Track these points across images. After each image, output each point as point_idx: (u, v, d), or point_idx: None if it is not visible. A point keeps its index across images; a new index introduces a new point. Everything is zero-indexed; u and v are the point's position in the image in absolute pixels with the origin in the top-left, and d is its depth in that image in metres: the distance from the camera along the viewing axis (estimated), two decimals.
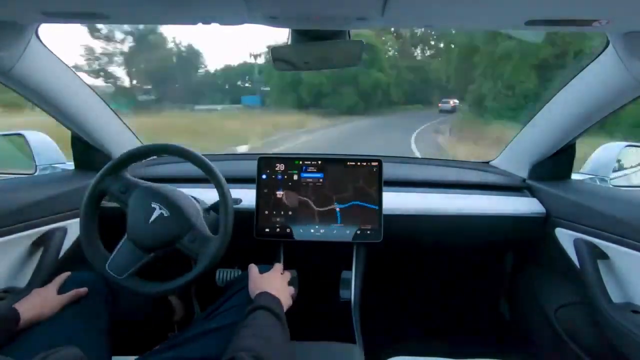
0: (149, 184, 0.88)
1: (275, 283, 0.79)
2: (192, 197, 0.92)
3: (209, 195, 0.91)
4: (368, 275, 1.10)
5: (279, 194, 1.03)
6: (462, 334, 1.34)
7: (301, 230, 1.02)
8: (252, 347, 0.56)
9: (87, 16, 0.67)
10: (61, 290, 0.79)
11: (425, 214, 1.10)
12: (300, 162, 1.04)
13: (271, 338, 0.61)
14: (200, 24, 0.67)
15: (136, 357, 0.76)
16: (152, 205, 0.83)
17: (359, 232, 1.01)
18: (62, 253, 0.96)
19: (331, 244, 1.03)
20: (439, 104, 19.59)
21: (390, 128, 13.30)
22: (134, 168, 1.22)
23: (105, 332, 0.78)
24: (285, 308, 0.73)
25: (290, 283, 0.84)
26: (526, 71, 11.73)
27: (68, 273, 0.84)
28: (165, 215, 0.83)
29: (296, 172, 1.03)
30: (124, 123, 1.23)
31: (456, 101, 18.60)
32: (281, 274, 0.84)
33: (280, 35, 0.77)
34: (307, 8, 0.61)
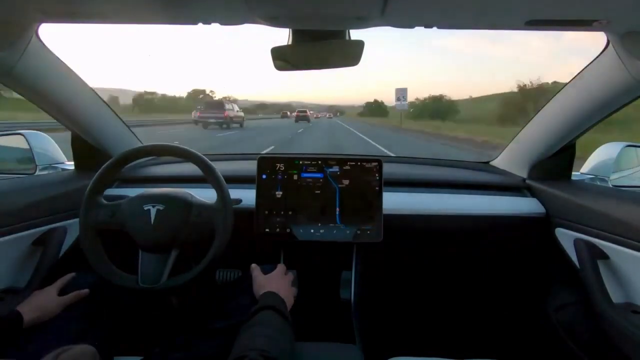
0: (129, 196, 0.89)
1: (279, 283, 0.79)
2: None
3: (208, 195, 0.90)
4: (368, 275, 1.10)
5: (279, 194, 1.03)
6: (462, 334, 1.34)
7: (301, 231, 1.02)
8: (261, 346, 0.56)
9: (87, 16, 0.67)
10: (62, 292, 0.79)
11: (425, 214, 1.10)
12: (300, 162, 1.04)
13: (279, 338, 0.61)
14: (200, 24, 0.67)
15: (138, 357, 0.76)
16: (145, 208, 0.84)
17: (359, 232, 1.01)
18: (62, 253, 0.96)
19: (331, 244, 1.03)
20: None
21: None
22: (133, 169, 1.22)
23: (106, 332, 0.78)
24: (288, 308, 0.73)
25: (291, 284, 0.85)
26: None
27: (69, 275, 0.84)
28: (162, 209, 0.84)
29: (296, 172, 1.03)
30: (124, 123, 1.23)
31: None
32: (284, 274, 0.85)
33: (280, 35, 0.77)
34: (307, 8, 0.61)
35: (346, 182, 1.02)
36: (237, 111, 19.84)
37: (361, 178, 1.03)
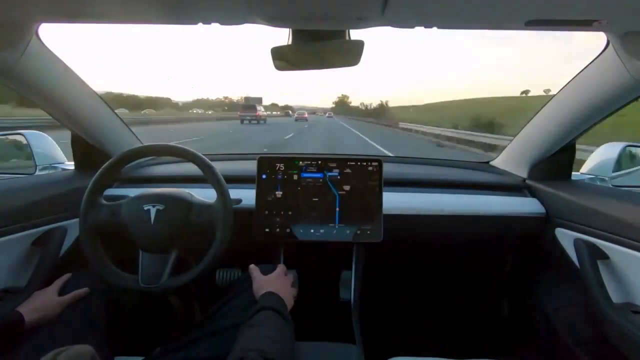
0: (130, 196, 0.89)
1: (279, 284, 0.79)
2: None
3: (208, 195, 0.91)
4: (368, 275, 1.10)
5: (279, 194, 1.03)
6: (462, 334, 1.34)
7: (301, 231, 1.02)
8: (261, 347, 0.56)
9: (87, 16, 0.67)
10: (62, 291, 0.79)
11: (425, 214, 1.10)
12: (301, 162, 1.04)
13: (279, 339, 0.61)
14: (200, 24, 0.67)
15: (139, 357, 0.76)
16: (145, 208, 0.84)
17: (359, 232, 1.01)
18: (62, 253, 0.95)
19: (331, 244, 1.03)
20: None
21: None
22: (133, 169, 1.22)
23: (106, 332, 0.78)
24: (288, 309, 0.73)
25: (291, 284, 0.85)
26: None
27: (69, 275, 0.84)
28: (162, 209, 0.84)
29: (296, 172, 1.03)
30: (124, 123, 1.23)
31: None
32: (284, 275, 0.85)
33: (280, 35, 0.77)
34: (307, 8, 0.61)
35: (347, 187, 1.02)
36: (263, 111, 28.33)
37: (361, 179, 1.02)
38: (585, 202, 0.93)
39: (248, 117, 24.63)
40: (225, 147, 10.57)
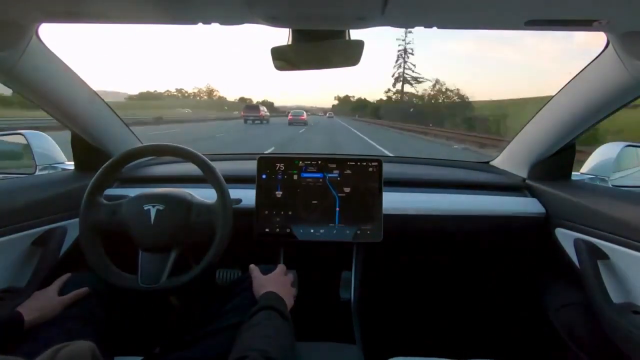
0: (130, 196, 0.89)
1: (279, 284, 0.79)
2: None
3: (208, 195, 0.91)
4: (368, 275, 1.10)
5: (279, 194, 1.03)
6: (462, 334, 1.34)
7: (301, 231, 1.02)
8: (262, 346, 0.56)
9: (87, 16, 0.67)
10: (62, 291, 0.79)
11: (425, 214, 1.10)
12: (301, 162, 1.04)
13: (280, 338, 0.61)
14: (200, 24, 0.67)
15: (138, 357, 0.76)
16: (146, 208, 0.84)
17: (359, 232, 1.01)
18: (62, 253, 0.95)
19: (331, 244, 1.03)
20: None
21: None
22: (133, 169, 1.22)
23: (106, 332, 0.78)
24: (288, 308, 0.73)
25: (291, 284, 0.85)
26: None
27: (68, 275, 0.84)
28: (162, 209, 0.84)
29: (296, 172, 1.03)
30: (124, 123, 1.23)
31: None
32: (284, 274, 0.85)
33: (281, 35, 0.77)
34: (307, 8, 0.61)
35: (347, 189, 1.02)
36: (265, 112, 28.21)
37: (361, 179, 1.02)
38: (585, 202, 0.93)
39: (251, 117, 24.76)
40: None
